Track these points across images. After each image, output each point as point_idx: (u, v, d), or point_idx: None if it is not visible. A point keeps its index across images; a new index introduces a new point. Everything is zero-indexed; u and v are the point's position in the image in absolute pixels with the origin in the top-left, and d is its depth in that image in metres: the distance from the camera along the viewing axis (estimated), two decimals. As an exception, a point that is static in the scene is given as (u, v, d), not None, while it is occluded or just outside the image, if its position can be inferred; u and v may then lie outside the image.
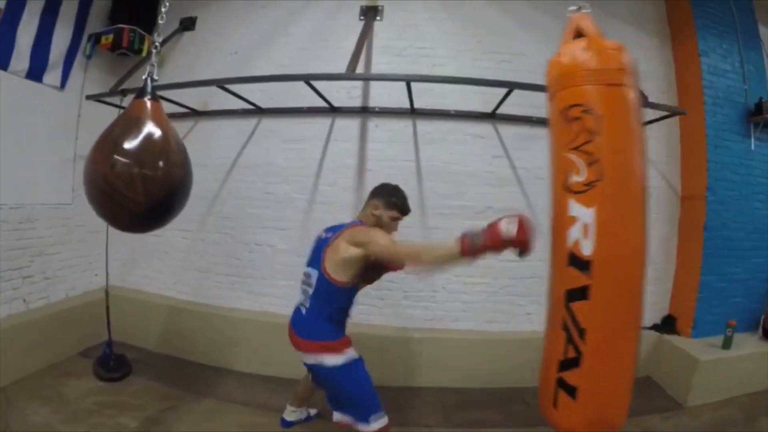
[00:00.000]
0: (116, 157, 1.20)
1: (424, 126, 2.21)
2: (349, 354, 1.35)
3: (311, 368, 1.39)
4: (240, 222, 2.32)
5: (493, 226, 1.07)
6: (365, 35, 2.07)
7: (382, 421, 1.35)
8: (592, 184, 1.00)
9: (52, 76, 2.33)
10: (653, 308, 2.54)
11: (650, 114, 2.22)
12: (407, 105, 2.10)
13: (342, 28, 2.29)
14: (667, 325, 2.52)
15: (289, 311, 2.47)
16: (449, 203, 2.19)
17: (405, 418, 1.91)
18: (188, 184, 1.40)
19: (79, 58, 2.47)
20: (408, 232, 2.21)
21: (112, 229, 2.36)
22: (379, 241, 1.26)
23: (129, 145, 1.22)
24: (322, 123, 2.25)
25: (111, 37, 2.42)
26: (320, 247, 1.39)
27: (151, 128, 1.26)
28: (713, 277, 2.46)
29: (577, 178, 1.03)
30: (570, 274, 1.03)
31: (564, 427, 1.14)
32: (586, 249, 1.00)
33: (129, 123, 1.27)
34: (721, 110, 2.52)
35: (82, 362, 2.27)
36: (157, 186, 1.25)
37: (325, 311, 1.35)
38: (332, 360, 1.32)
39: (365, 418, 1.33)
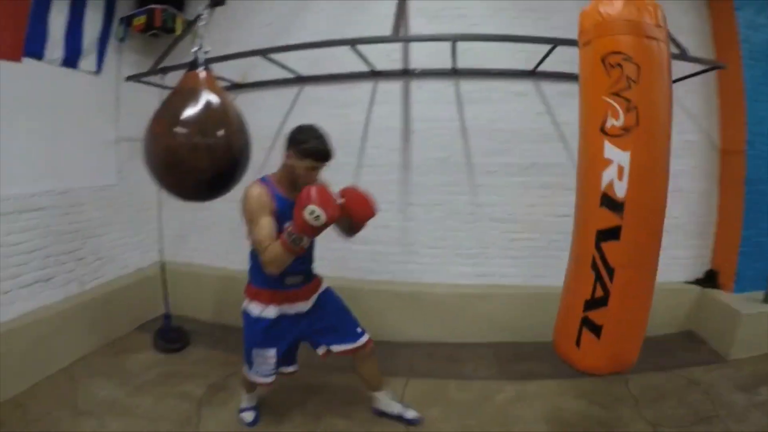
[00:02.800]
0: (178, 128, 1.23)
1: (467, 86, 2.22)
2: (252, 306, 1.40)
3: None
4: None
5: (296, 218, 1.14)
6: (402, -1, 2.06)
7: (253, 375, 1.47)
8: (629, 129, 1.05)
9: (88, 61, 2.37)
10: (695, 263, 2.55)
11: (689, 68, 2.20)
12: (448, 66, 2.10)
13: (377, -9, 2.28)
14: (710, 279, 2.53)
15: (343, 273, 2.53)
16: (495, 161, 2.21)
17: (461, 371, 1.97)
18: (249, 151, 1.43)
19: (112, 42, 2.51)
20: (456, 189, 2.27)
21: (163, 206, 2.43)
22: (252, 229, 1.24)
23: (189, 115, 1.24)
24: (365, 87, 2.27)
25: (143, 18, 2.45)
26: None
27: (208, 97, 1.29)
28: (754, 232, 2.45)
29: (615, 122, 1.08)
30: (602, 214, 1.09)
31: (585, 365, 1.20)
32: (620, 191, 1.06)
33: (185, 94, 1.29)
34: (759, 64, 2.47)
35: (140, 337, 2.37)
36: (221, 153, 1.27)
37: (253, 260, 1.39)
38: (245, 304, 1.43)
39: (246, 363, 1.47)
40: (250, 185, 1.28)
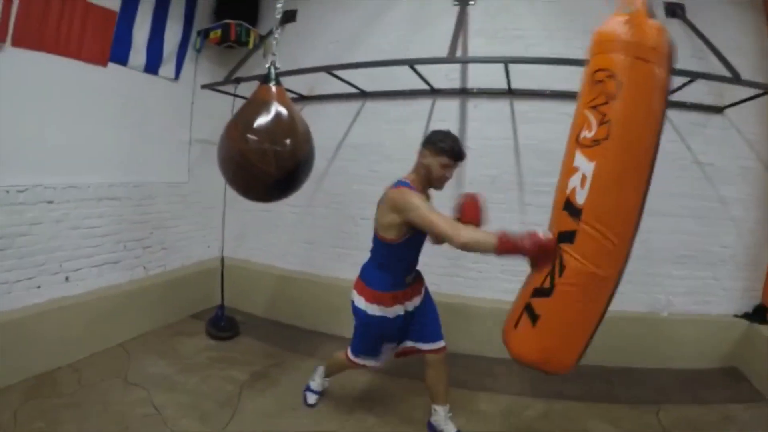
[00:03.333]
0: (250, 135, 1.37)
1: (521, 106, 2.29)
2: (372, 308, 1.43)
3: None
4: (346, 198, 2.52)
5: (533, 234, 1.15)
6: (461, 20, 2.17)
7: (362, 360, 1.57)
8: (599, 142, 1.09)
9: (167, 69, 2.62)
10: (745, 296, 2.46)
11: (745, 92, 2.17)
12: (504, 86, 2.18)
13: (437, 12, 2.40)
14: (759, 314, 2.43)
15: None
16: (545, 180, 2.20)
17: (493, 384, 2.03)
18: (312, 159, 1.56)
19: (190, 52, 2.76)
20: (505, 207, 2.32)
21: (227, 206, 2.64)
22: (417, 210, 1.27)
23: (261, 124, 1.38)
24: (423, 104, 2.39)
25: (219, 31, 2.67)
26: (378, 204, 1.45)
27: (278, 109, 1.42)
28: (812, 265, 2.36)
29: (587, 134, 1.12)
30: (563, 217, 1.14)
31: (516, 351, 1.23)
32: (580, 198, 1.10)
33: (258, 105, 1.43)
34: (823, 87, 2.40)
35: (194, 323, 2.55)
36: (287, 159, 1.41)
37: (377, 260, 1.49)
38: (358, 301, 1.48)
39: (351, 349, 1.59)
40: (400, 191, 1.35)
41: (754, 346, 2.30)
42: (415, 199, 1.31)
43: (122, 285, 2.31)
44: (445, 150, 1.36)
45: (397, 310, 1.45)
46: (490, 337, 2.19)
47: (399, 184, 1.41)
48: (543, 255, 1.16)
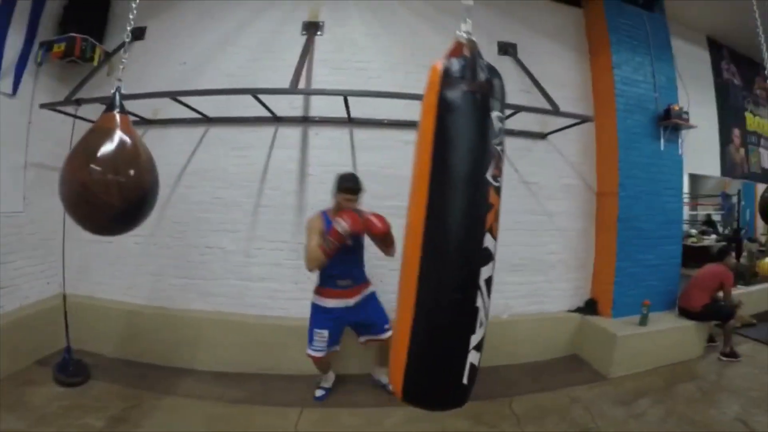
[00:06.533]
0: (93, 165, 1.30)
1: (360, 134, 2.41)
2: (315, 298, 1.99)
3: None
4: (191, 226, 2.44)
5: (331, 229, 1.73)
6: (307, 51, 2.24)
7: (310, 350, 1.97)
8: None
9: (4, 83, 2.35)
10: (576, 293, 2.85)
11: (564, 120, 2.50)
12: (345, 115, 2.29)
13: (287, 40, 2.45)
14: (590, 307, 2.84)
15: (240, 310, 2.64)
16: (385, 203, 2.32)
17: (352, 399, 2.09)
18: (157, 189, 1.51)
19: (30, 65, 2.49)
20: None
21: (67, 237, 2.43)
22: (307, 236, 1.85)
23: (104, 154, 1.32)
24: (267, 131, 2.40)
25: (63, 45, 2.46)
26: None
27: (122, 138, 1.36)
28: (627, 263, 2.79)
29: None
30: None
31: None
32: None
33: (101, 134, 1.37)
34: (632, 116, 2.85)
35: (40, 370, 2.30)
36: (131, 190, 1.35)
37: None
38: (312, 298, 2.02)
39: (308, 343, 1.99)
40: (312, 215, 1.97)
41: (589, 334, 2.68)
42: (313, 223, 1.91)
43: None
44: (344, 188, 1.89)
45: (331, 303, 1.95)
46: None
47: (320, 211, 1.98)
48: (345, 236, 1.71)
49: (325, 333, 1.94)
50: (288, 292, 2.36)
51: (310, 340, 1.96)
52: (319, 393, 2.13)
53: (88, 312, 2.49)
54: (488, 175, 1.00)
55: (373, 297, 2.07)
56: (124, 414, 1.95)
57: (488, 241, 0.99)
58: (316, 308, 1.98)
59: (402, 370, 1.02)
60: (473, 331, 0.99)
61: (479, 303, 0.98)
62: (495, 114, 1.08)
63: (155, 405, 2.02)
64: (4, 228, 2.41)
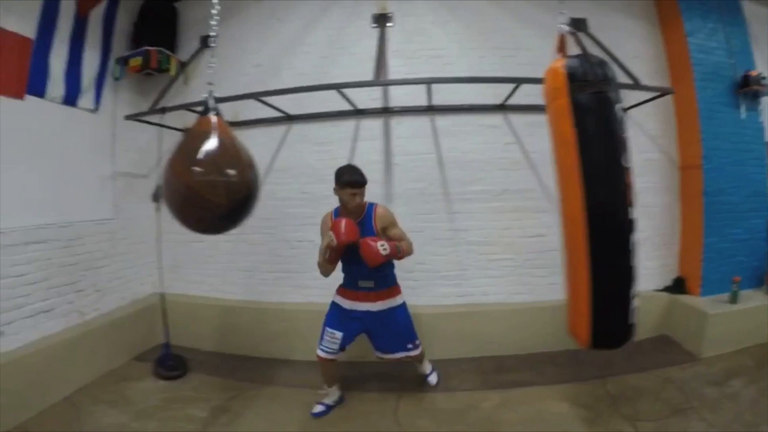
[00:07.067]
0: (196, 167, 1.34)
1: (441, 121, 2.39)
2: (335, 297, 1.88)
3: None
4: (279, 222, 2.50)
5: (324, 239, 1.69)
6: (383, 42, 2.25)
7: (320, 351, 1.83)
8: None
9: (86, 99, 2.48)
10: (664, 271, 2.73)
11: (643, 94, 2.39)
12: (424, 103, 2.28)
13: (356, 34, 2.47)
14: (678, 286, 2.71)
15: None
16: (469, 189, 2.38)
17: (447, 384, 2.10)
18: (259, 185, 1.55)
19: (109, 81, 2.63)
20: (434, 217, 2.43)
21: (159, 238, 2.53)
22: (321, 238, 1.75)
23: (205, 155, 1.36)
24: (348, 125, 2.44)
25: (140, 59, 2.58)
26: None
27: (220, 139, 1.41)
28: (715, 239, 2.65)
29: None
30: None
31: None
32: None
33: (200, 137, 1.41)
34: (711, 85, 2.71)
35: (138, 366, 2.42)
36: (236, 189, 1.40)
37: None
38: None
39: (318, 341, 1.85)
40: (324, 218, 1.84)
41: (678, 313, 2.57)
42: (322, 225, 1.81)
43: (59, 334, 2.14)
44: (346, 182, 1.68)
45: (348, 304, 1.82)
46: (433, 341, 2.29)
47: (333, 209, 1.83)
48: (337, 247, 1.62)
49: (339, 334, 1.77)
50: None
51: (321, 338, 1.81)
52: (318, 409, 1.87)
53: (182, 309, 2.59)
54: (623, 160, 1.32)
55: (402, 309, 1.87)
56: (225, 404, 2.01)
57: (631, 213, 1.34)
58: (334, 306, 1.86)
59: (587, 325, 1.35)
60: (633, 284, 1.36)
61: (634, 262, 1.35)
62: (618, 105, 1.34)
63: (255, 394, 2.08)
64: (98, 235, 2.55)
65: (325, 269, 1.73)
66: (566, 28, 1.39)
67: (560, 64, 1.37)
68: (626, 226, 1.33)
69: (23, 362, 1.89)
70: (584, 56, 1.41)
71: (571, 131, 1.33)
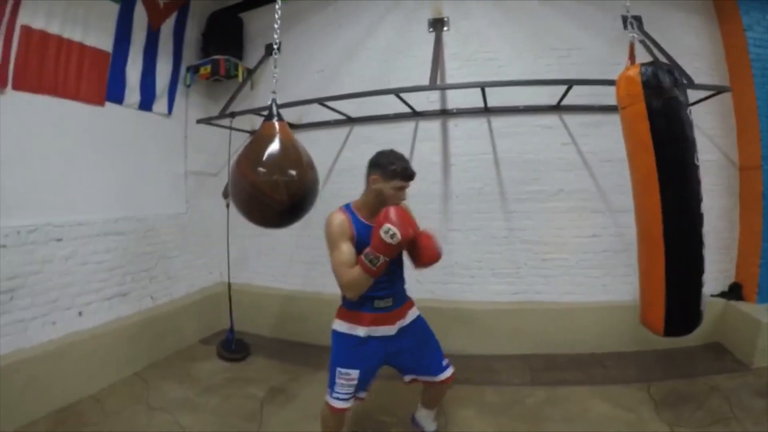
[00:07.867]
0: (261, 168, 1.49)
1: (498, 122, 2.46)
2: (340, 325, 1.43)
3: None
4: None
5: (373, 238, 1.20)
6: (439, 46, 2.34)
7: (332, 399, 1.41)
8: None
9: (160, 105, 2.73)
10: (720, 276, 2.65)
11: (700, 92, 2.34)
12: (481, 105, 2.35)
13: (414, 39, 2.58)
14: (734, 292, 2.62)
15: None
16: (525, 189, 2.43)
17: (495, 379, 2.15)
18: (317, 184, 1.70)
19: (180, 87, 2.88)
20: (491, 216, 2.49)
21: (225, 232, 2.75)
22: (332, 254, 1.31)
23: (269, 157, 1.51)
24: (408, 126, 2.55)
25: (209, 67, 2.81)
26: None
27: (283, 143, 1.55)
28: (773, 244, 2.55)
29: None
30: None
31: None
32: None
33: (264, 140, 1.56)
34: (771, 82, 2.60)
35: (203, 348, 2.63)
36: (296, 187, 1.53)
37: None
38: (334, 324, 1.48)
39: (328, 389, 1.42)
40: (332, 213, 1.36)
41: (732, 320, 2.47)
42: (335, 227, 1.33)
43: (132, 316, 2.39)
44: (397, 173, 1.30)
45: (363, 332, 1.38)
46: (485, 337, 2.38)
47: (342, 207, 1.40)
48: (398, 247, 1.19)
49: (355, 374, 1.37)
50: (435, 275, 2.43)
51: (332, 383, 1.40)
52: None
53: (246, 298, 2.78)
54: (695, 159, 1.44)
55: (421, 322, 1.51)
56: (282, 385, 2.15)
57: (701, 208, 1.44)
58: (342, 339, 1.41)
59: (662, 316, 1.46)
60: (703, 273, 1.45)
61: (704, 253, 1.44)
62: (688, 108, 1.46)
63: (312, 378, 2.20)
64: (171, 227, 2.79)
65: (363, 288, 1.26)
66: (637, 36, 1.48)
67: (635, 71, 1.45)
68: (699, 221, 1.43)
69: (100, 338, 2.12)
70: (656, 63, 1.52)
71: (647, 134, 1.42)
